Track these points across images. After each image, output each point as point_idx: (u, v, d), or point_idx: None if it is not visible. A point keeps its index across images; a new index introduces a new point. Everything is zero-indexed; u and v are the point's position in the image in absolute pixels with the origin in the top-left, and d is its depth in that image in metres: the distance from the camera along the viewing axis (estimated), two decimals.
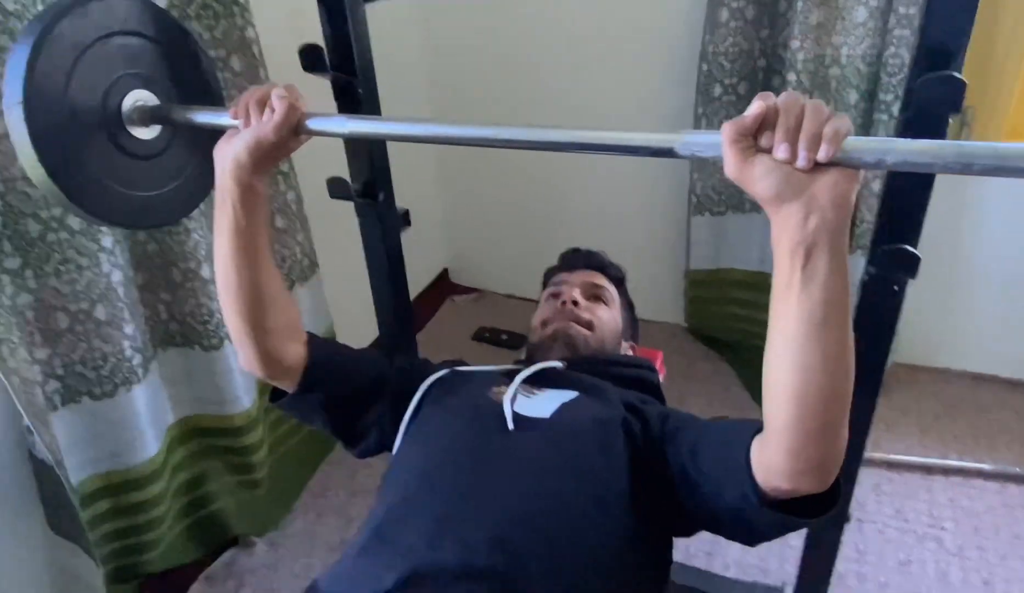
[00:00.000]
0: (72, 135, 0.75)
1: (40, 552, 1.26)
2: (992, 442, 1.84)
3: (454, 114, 2.37)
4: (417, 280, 2.56)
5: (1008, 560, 1.52)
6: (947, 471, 1.75)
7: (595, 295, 1.14)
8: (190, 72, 0.89)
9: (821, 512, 0.66)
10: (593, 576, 0.71)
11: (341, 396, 0.94)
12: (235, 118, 0.77)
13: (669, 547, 0.87)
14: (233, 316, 0.84)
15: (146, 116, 0.82)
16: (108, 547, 1.44)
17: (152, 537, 1.48)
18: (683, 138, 0.58)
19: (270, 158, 0.78)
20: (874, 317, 0.83)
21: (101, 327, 1.27)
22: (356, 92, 0.94)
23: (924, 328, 2.02)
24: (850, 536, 1.59)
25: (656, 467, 0.80)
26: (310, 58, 0.88)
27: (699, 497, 0.75)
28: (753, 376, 2.11)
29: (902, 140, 0.53)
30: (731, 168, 0.56)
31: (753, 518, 0.69)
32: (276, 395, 0.94)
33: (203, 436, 1.57)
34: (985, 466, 1.75)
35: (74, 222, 1.18)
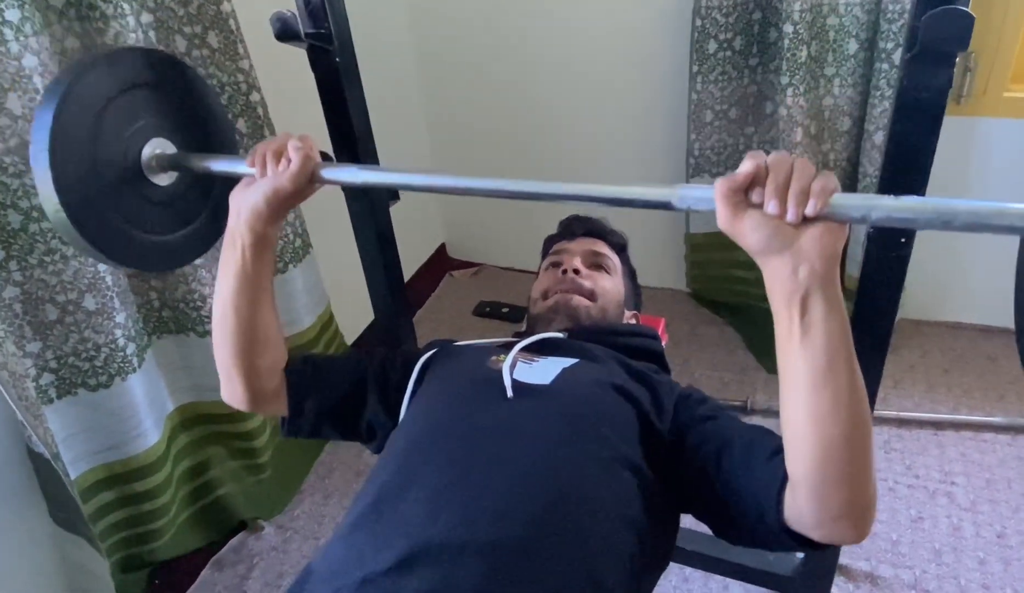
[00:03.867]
0: (94, 183, 0.78)
1: (46, 546, 1.25)
2: (1002, 394, 1.82)
3: (441, 77, 2.33)
4: (415, 257, 2.53)
5: (1021, 512, 1.51)
6: (957, 426, 1.73)
7: (596, 263, 1.11)
8: (204, 117, 0.92)
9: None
10: (600, 544, 0.69)
11: (331, 405, 0.94)
12: (251, 167, 0.79)
13: (677, 513, 0.85)
14: (225, 353, 0.86)
15: (165, 164, 0.85)
16: (114, 538, 1.44)
17: (158, 526, 1.47)
18: (679, 192, 0.62)
19: (285, 207, 0.80)
20: (880, 273, 0.80)
21: (92, 317, 1.25)
22: (334, 62, 0.90)
23: (929, 281, 1.99)
24: None
25: (669, 447, 0.80)
26: (282, 27, 0.84)
27: (714, 496, 0.74)
28: (757, 338, 2.09)
29: (886, 197, 0.56)
30: (723, 221, 0.59)
31: (763, 534, 0.70)
32: (283, 425, 0.95)
33: (204, 423, 1.56)
34: (995, 419, 1.73)
35: None
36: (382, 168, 0.78)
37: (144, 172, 0.84)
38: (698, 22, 1.77)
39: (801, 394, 0.60)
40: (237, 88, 1.39)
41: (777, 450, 0.68)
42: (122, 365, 1.31)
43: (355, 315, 2.04)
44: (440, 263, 2.65)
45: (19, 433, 1.17)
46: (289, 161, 0.77)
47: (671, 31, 1.91)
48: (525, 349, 0.90)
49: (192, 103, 0.90)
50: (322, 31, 0.88)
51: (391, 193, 1.09)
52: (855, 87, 1.69)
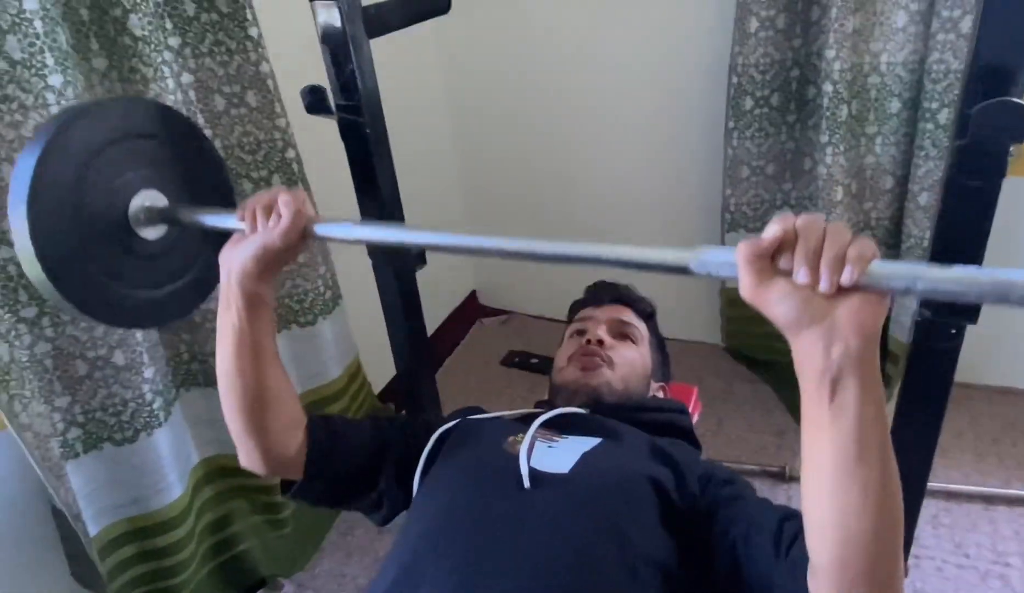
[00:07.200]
0: (75, 237, 0.73)
1: None
2: None
3: (477, 137, 2.34)
4: (446, 303, 2.52)
5: None
6: (1010, 501, 1.63)
7: (622, 333, 1.08)
8: (201, 170, 0.87)
9: None
10: None
11: (345, 476, 0.91)
12: (242, 221, 0.76)
13: None
14: (233, 416, 0.83)
15: (153, 217, 0.81)
16: None
17: (178, 581, 1.45)
18: (698, 256, 0.56)
19: (277, 264, 0.77)
20: (930, 362, 0.75)
21: (120, 373, 1.25)
22: (364, 132, 0.90)
23: (978, 342, 1.89)
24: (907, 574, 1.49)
25: (693, 530, 0.76)
26: (312, 99, 0.84)
27: (740, 580, 0.70)
28: (795, 397, 2.01)
29: (933, 266, 0.50)
30: (746, 289, 0.53)
31: None
32: (285, 486, 0.91)
33: (227, 476, 1.54)
34: None
35: None
36: (378, 223, 0.74)
37: (131, 225, 0.79)
38: (734, 79, 1.75)
39: (826, 484, 0.54)
40: (273, 145, 1.41)
41: (799, 532, 0.62)
42: (148, 419, 1.30)
43: (381, 367, 2.03)
44: (471, 310, 2.64)
45: (44, 489, 1.17)
46: (279, 216, 0.73)
47: (708, 87, 1.89)
48: (546, 424, 0.87)
49: (189, 156, 0.85)
50: (353, 103, 0.88)
51: (419, 257, 1.08)
52: (898, 146, 1.64)
